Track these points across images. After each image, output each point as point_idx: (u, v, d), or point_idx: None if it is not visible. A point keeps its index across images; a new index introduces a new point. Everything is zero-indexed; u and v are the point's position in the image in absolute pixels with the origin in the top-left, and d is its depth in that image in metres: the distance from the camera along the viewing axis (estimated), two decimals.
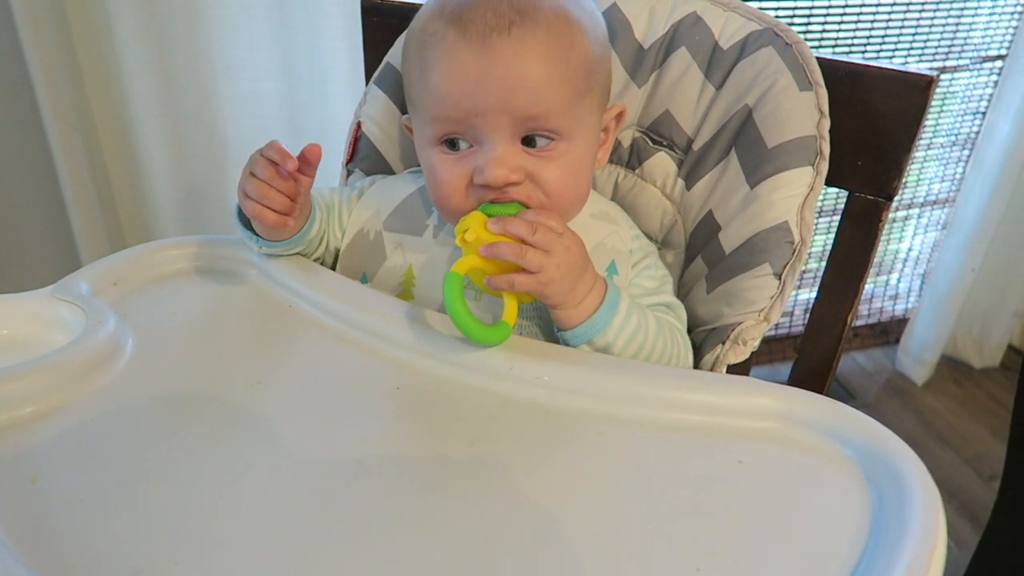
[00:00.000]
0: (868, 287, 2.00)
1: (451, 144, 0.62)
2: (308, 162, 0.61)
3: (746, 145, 0.69)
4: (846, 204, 0.72)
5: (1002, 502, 1.03)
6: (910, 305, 2.04)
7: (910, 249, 1.98)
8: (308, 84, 1.24)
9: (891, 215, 1.90)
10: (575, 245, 0.59)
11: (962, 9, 1.67)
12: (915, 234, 1.96)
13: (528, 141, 0.61)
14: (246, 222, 0.67)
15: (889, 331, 2.05)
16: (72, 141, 1.18)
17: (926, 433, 1.77)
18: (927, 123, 1.79)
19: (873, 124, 0.69)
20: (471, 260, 0.57)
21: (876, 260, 1.96)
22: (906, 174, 0.70)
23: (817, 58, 0.69)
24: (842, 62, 0.70)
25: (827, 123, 0.66)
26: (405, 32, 0.67)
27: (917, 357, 1.92)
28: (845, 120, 0.69)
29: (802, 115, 0.66)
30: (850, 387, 1.90)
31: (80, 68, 1.17)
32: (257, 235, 0.67)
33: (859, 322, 2.03)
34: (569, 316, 0.60)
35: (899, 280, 2.03)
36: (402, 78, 0.78)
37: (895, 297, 2.04)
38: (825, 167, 0.66)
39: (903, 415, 1.82)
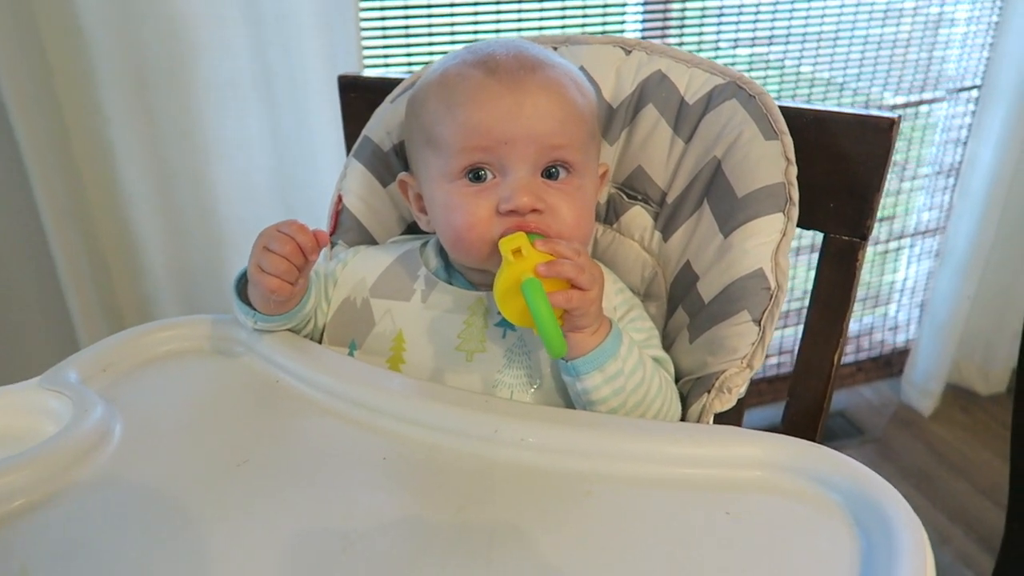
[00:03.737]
0: (867, 319, 2.00)
1: (476, 176, 0.65)
2: (319, 244, 0.64)
3: (717, 195, 0.70)
4: (823, 246, 0.74)
5: (1010, 534, 1.01)
6: (911, 335, 2.04)
7: (906, 279, 1.99)
8: (298, 157, 1.26)
9: (883, 247, 1.92)
10: (601, 271, 0.62)
11: (933, 43, 1.71)
12: (909, 264, 1.97)
13: (547, 174, 0.65)
14: (244, 297, 0.69)
15: (892, 363, 2.04)
16: (68, 226, 1.20)
17: (938, 464, 1.75)
18: (911, 154, 1.82)
19: (842, 167, 0.70)
20: (527, 275, 0.58)
21: (873, 292, 1.97)
22: (879, 212, 0.71)
23: (782, 106, 0.71)
24: (807, 109, 0.72)
25: (794, 170, 0.68)
26: (414, 87, 0.72)
27: (922, 387, 1.91)
28: (815, 164, 0.70)
29: (769, 164, 0.68)
30: (857, 422, 1.89)
31: (73, 152, 1.20)
32: (255, 310, 0.68)
33: (861, 355, 2.02)
34: (586, 341, 0.61)
35: (897, 311, 2.03)
36: (379, 149, 0.82)
37: (895, 328, 2.04)
38: (795, 212, 0.68)
39: (913, 447, 1.80)
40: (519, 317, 0.60)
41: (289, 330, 0.71)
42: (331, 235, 0.84)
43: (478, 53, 0.66)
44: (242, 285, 0.69)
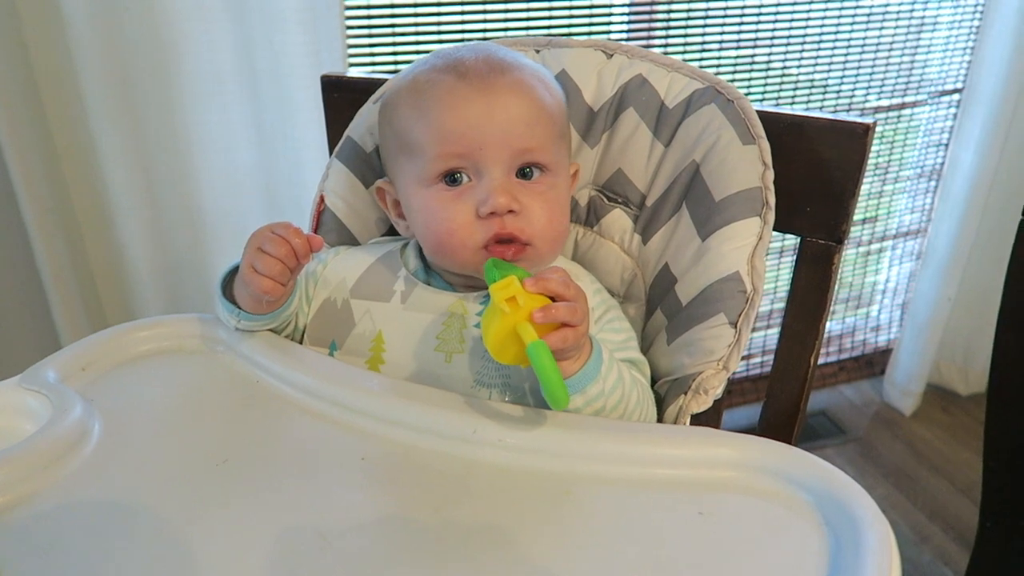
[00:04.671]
0: (850, 320, 2.02)
1: (452, 180, 0.66)
2: (312, 248, 0.64)
3: (695, 199, 0.71)
4: (800, 249, 0.74)
5: (983, 532, 1.03)
6: (892, 336, 2.06)
7: (887, 280, 2.01)
8: (283, 155, 1.26)
9: (866, 248, 1.93)
10: (585, 295, 0.60)
11: (916, 47, 1.72)
12: (891, 265, 1.99)
13: (521, 174, 0.67)
14: (229, 296, 0.69)
15: (874, 363, 2.06)
16: (49, 223, 1.19)
17: (918, 464, 1.77)
18: (893, 157, 1.83)
19: (818, 171, 0.71)
20: (524, 325, 0.56)
21: (855, 293, 1.99)
22: (861, 214, 0.72)
23: (760, 111, 0.72)
24: (784, 114, 0.73)
25: (771, 174, 0.69)
26: (385, 95, 0.73)
27: (903, 387, 1.93)
28: (792, 169, 0.71)
29: (746, 168, 0.69)
30: (839, 421, 1.90)
31: (56, 148, 1.19)
32: (239, 309, 0.68)
33: (843, 355, 2.04)
34: (567, 368, 0.60)
35: (879, 312, 2.05)
36: (361, 150, 0.82)
37: (877, 329, 2.06)
38: (772, 216, 0.68)
39: (893, 447, 1.82)
40: (512, 360, 0.58)
41: (270, 330, 0.72)
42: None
43: (447, 58, 0.68)
44: (225, 283, 0.70)
